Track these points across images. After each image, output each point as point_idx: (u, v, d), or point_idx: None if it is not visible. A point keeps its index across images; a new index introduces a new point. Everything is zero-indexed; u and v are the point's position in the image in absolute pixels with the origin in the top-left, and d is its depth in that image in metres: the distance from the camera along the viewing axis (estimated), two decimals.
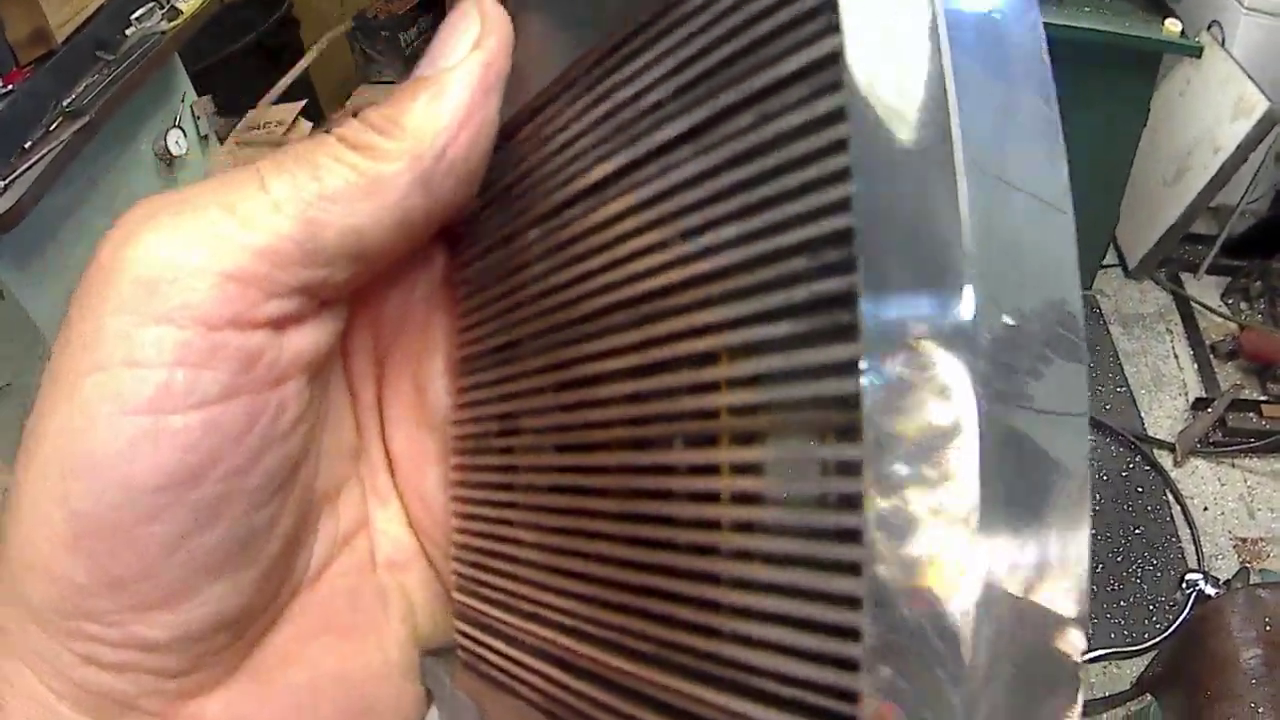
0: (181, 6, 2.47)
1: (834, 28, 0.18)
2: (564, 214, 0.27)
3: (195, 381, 0.25)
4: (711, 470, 0.21)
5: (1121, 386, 3.26)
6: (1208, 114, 3.19)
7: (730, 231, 0.21)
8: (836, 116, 0.18)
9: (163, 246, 0.26)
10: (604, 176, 0.25)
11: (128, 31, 2.35)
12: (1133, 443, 3.05)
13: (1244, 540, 2.78)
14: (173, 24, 2.38)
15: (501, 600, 0.30)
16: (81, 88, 2.14)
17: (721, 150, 0.21)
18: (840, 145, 0.18)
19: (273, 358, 0.27)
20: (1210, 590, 1.60)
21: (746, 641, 0.20)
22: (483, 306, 0.31)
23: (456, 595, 0.33)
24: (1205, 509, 2.88)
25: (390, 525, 0.35)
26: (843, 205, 0.18)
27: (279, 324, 0.27)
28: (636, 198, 0.24)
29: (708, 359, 0.22)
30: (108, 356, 0.25)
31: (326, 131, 0.28)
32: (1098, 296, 3.57)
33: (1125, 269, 3.63)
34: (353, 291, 0.30)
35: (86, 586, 0.26)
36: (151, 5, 2.44)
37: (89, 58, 2.21)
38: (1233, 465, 2.99)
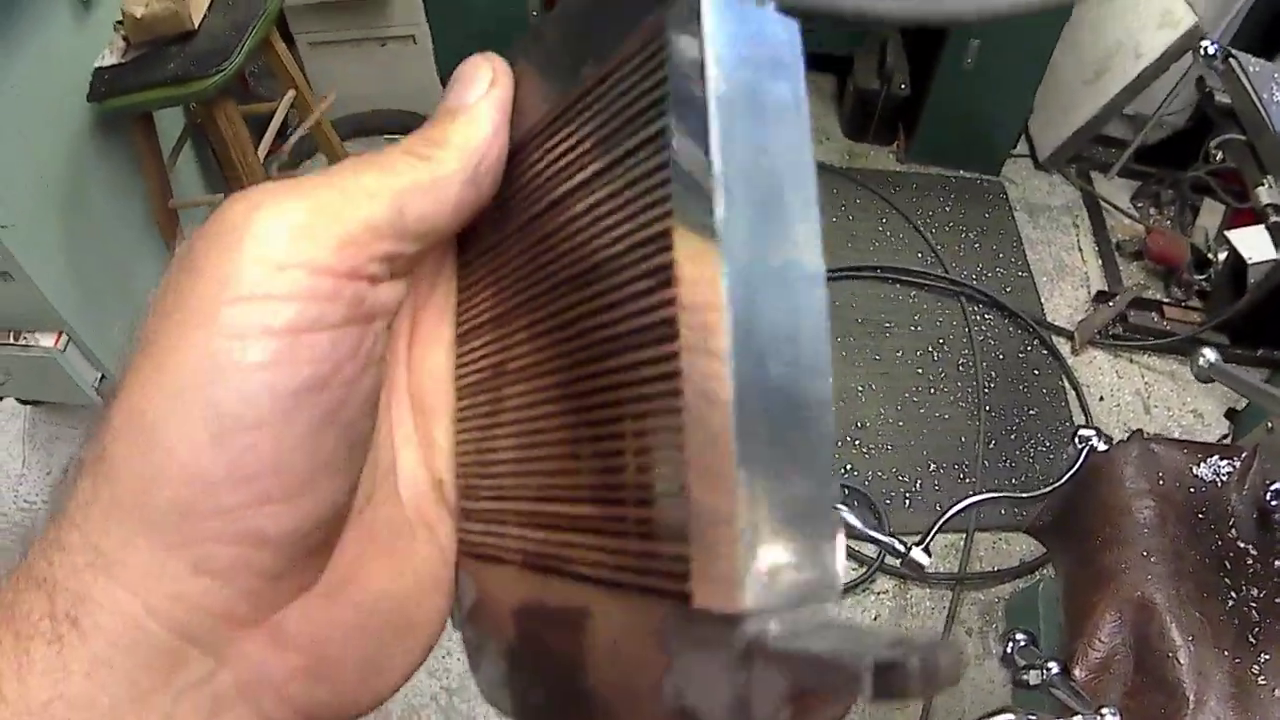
0: None
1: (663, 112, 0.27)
2: (540, 218, 0.36)
3: (322, 312, 0.32)
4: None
5: (1024, 272, 3.30)
6: (1133, 21, 3.22)
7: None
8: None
9: (294, 213, 0.32)
10: (560, 195, 0.34)
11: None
12: (1031, 325, 3.10)
13: (1139, 433, 2.87)
14: None
15: (488, 494, 0.40)
16: None
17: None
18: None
19: (371, 303, 0.34)
20: (1101, 445, 1.65)
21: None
22: (478, 282, 0.41)
23: (461, 503, 0.42)
24: (1101, 399, 2.96)
25: (411, 463, 0.42)
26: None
27: (373, 280, 0.34)
28: (582, 207, 0.33)
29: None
30: (249, 290, 0.31)
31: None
32: (1005, 183, 3.61)
33: (1035, 160, 3.67)
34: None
35: (221, 481, 0.30)
36: None
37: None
38: (1131, 360, 3.07)
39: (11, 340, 2.45)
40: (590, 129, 0.32)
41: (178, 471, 0.30)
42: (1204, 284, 3.15)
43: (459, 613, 0.42)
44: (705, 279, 0.25)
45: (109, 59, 2.30)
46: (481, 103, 0.37)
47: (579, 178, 0.33)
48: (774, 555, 0.25)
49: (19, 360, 2.47)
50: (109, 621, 0.30)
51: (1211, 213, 3.26)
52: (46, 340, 2.44)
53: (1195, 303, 3.18)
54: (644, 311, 0.28)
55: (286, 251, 0.31)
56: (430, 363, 0.43)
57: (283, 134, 2.73)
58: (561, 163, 0.34)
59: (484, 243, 0.40)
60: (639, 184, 0.28)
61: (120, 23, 2.33)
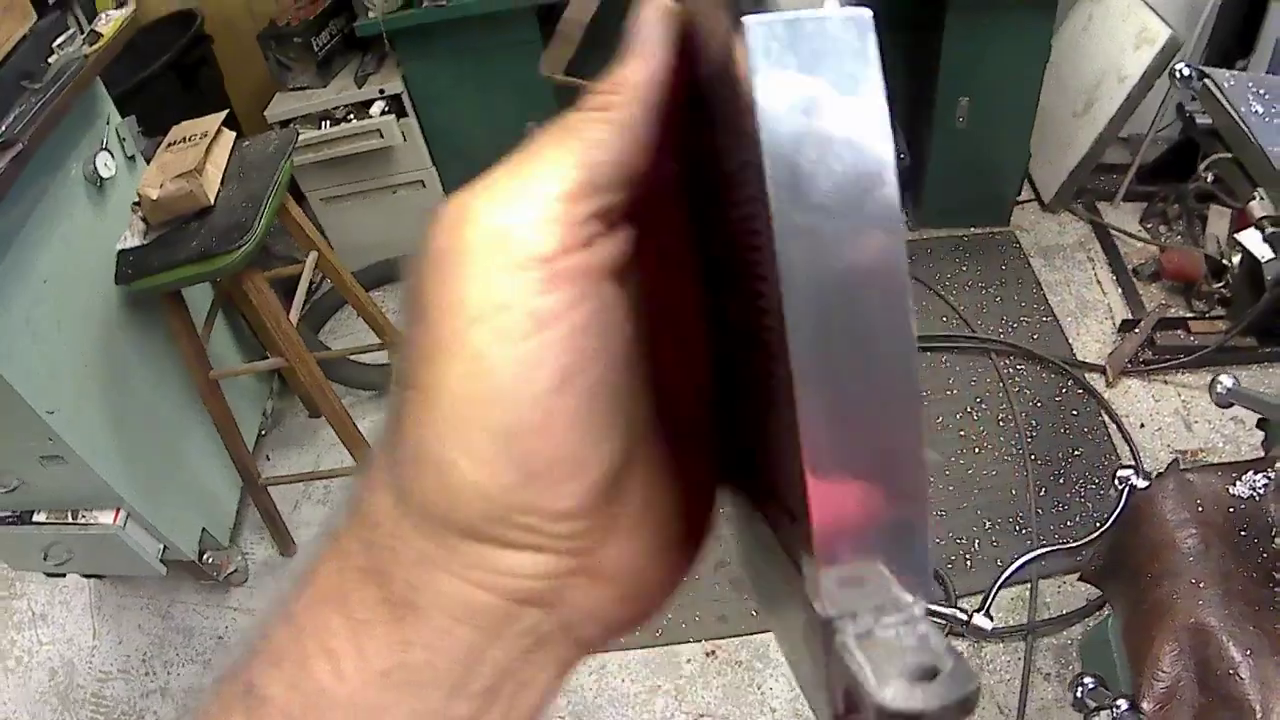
0: (101, 30, 2.48)
1: None
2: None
3: (553, 304, 0.33)
4: None
5: (1047, 316, 3.31)
6: (1111, 46, 3.27)
7: None
8: None
9: (494, 216, 0.34)
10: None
11: (50, 59, 2.35)
12: (1063, 368, 3.11)
13: (1184, 452, 2.84)
14: (93, 48, 2.39)
15: None
16: (11, 117, 2.14)
17: None
18: None
19: (597, 265, 0.35)
20: (1141, 483, 1.65)
21: None
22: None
23: None
24: (1142, 425, 2.95)
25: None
26: None
27: (588, 243, 0.34)
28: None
29: None
30: (481, 309, 0.33)
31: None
32: (1016, 232, 3.64)
33: (1042, 203, 3.70)
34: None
35: (515, 486, 0.33)
36: (72, 31, 2.44)
37: (15, 88, 2.23)
38: (1165, 382, 3.06)
39: (71, 519, 2.52)
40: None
41: (475, 491, 0.33)
42: (1224, 291, 3.14)
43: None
44: None
45: (130, 241, 2.37)
46: (643, 32, 0.37)
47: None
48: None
49: (80, 539, 2.53)
50: (446, 602, 0.34)
51: (1220, 218, 3.26)
52: (105, 517, 2.50)
53: (1219, 311, 3.17)
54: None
55: (499, 257, 0.33)
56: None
57: (310, 293, 2.76)
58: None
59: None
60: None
61: (137, 204, 2.39)
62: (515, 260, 0.33)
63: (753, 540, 0.43)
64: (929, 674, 0.27)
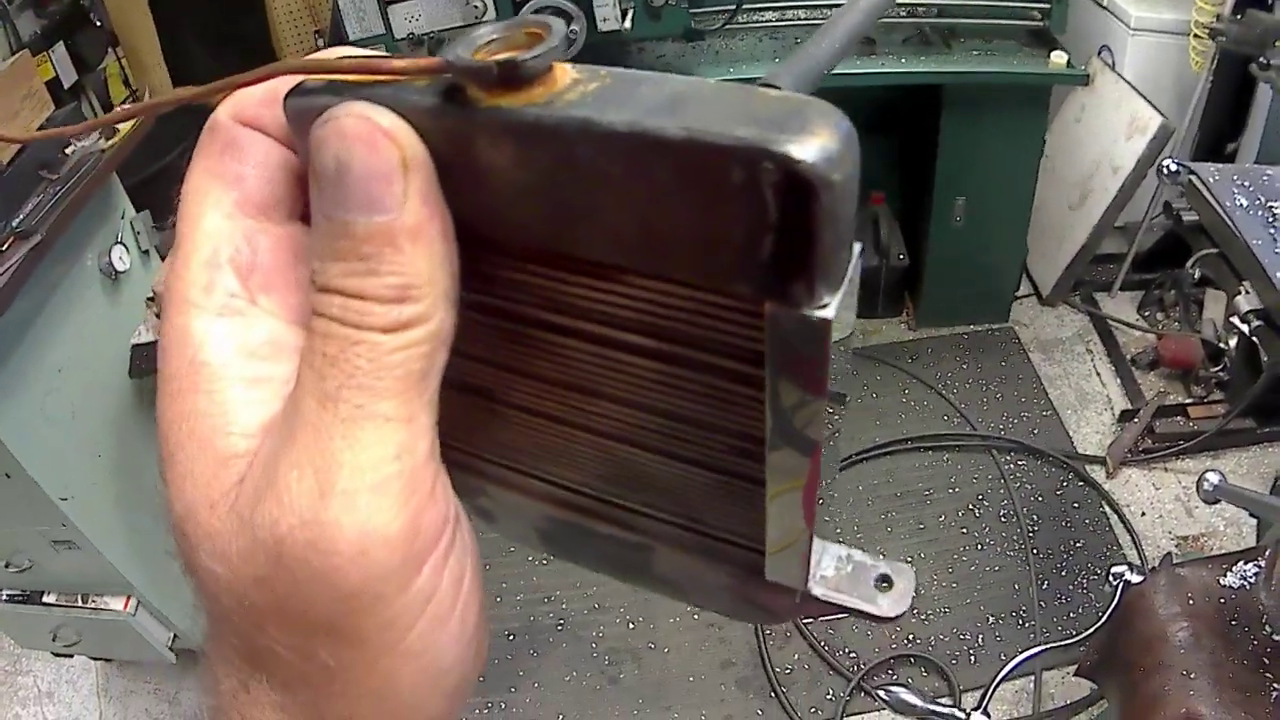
0: (116, 124, 2.55)
1: None
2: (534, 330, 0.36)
3: (454, 570, 0.35)
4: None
5: (1047, 411, 3.35)
6: (1104, 136, 3.33)
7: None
8: None
9: (365, 535, 0.32)
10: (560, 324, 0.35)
11: (68, 150, 2.40)
12: (1064, 462, 3.14)
13: (1185, 538, 2.88)
14: (110, 142, 2.46)
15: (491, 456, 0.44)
16: (29, 207, 2.19)
17: None
18: None
19: (457, 512, 0.37)
20: (1135, 578, 1.69)
21: None
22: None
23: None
24: (1143, 514, 2.97)
25: None
26: None
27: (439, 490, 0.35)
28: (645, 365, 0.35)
29: None
30: (407, 611, 0.34)
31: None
32: (1015, 327, 3.68)
33: (1040, 297, 3.74)
34: None
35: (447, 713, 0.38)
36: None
37: (33, 178, 2.28)
38: (1165, 469, 3.09)
39: (81, 603, 2.53)
40: (656, 309, 0.32)
41: None
42: (1221, 374, 3.18)
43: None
44: None
45: (145, 336, 2.42)
46: (411, 209, 0.31)
47: (631, 338, 0.34)
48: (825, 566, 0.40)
49: (90, 623, 2.55)
50: None
51: (1216, 302, 3.27)
52: (116, 603, 2.52)
53: (1217, 395, 3.20)
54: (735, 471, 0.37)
55: (404, 561, 0.33)
56: None
57: None
58: (585, 302, 0.33)
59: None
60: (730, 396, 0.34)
61: (151, 299, 2.45)
62: (408, 572, 0.33)
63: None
64: None
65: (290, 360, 0.35)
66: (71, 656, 2.80)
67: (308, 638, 0.33)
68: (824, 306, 0.28)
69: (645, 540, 0.43)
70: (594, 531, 0.44)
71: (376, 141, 0.31)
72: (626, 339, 0.34)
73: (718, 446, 0.36)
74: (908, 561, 0.39)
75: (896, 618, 0.39)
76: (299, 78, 0.34)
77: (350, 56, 0.34)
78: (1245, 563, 1.59)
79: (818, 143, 0.26)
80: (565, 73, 0.31)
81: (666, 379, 0.35)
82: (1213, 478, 1.66)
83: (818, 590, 0.39)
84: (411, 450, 0.32)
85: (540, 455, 0.42)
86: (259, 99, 0.35)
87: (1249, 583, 1.57)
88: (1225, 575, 1.59)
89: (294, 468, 0.32)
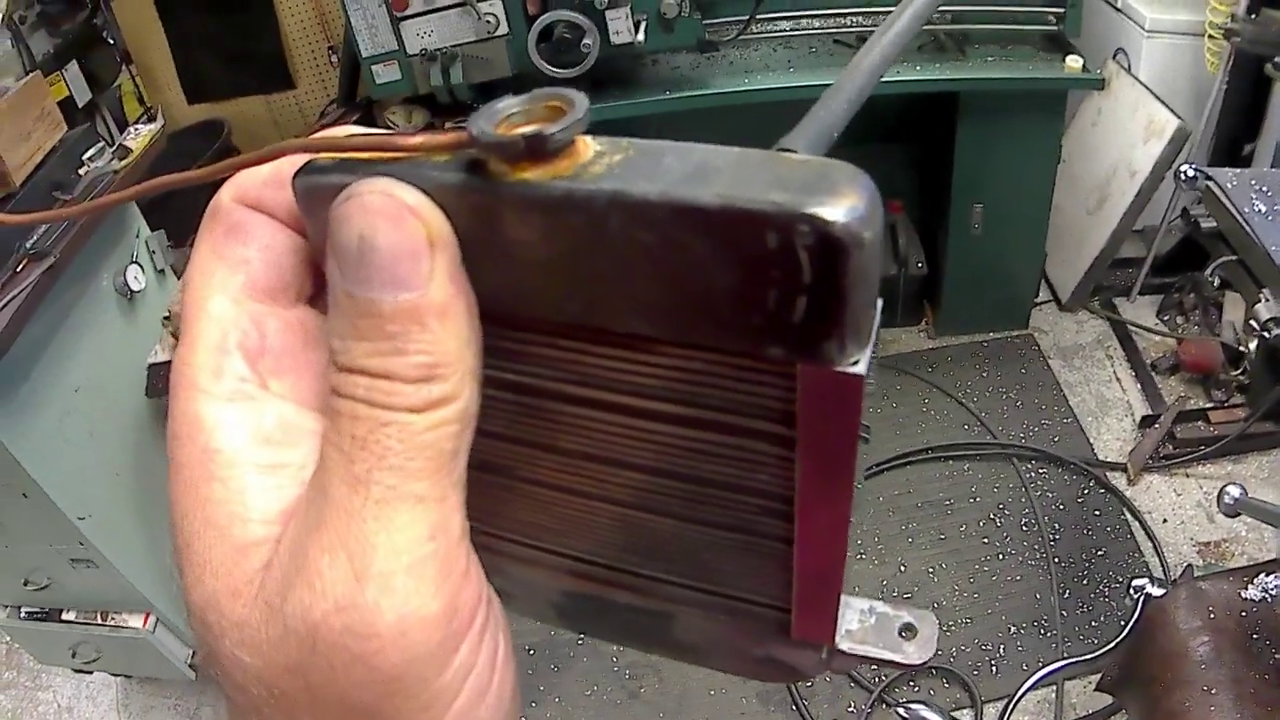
0: (130, 144, 2.56)
1: None
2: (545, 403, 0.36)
3: (491, 648, 0.35)
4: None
5: (1068, 418, 3.32)
6: (1121, 140, 3.31)
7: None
8: None
9: (423, 611, 0.32)
10: (610, 400, 0.35)
11: (81, 171, 2.42)
12: (1084, 469, 3.11)
13: (1207, 545, 2.85)
14: (123, 162, 2.47)
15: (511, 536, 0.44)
16: (43, 229, 2.19)
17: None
18: None
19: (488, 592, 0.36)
20: (1156, 591, 1.68)
21: None
22: None
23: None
24: (1164, 521, 2.95)
25: None
26: None
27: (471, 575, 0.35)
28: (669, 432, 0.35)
29: None
30: (431, 700, 0.33)
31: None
32: (1035, 334, 3.66)
33: (1059, 303, 3.72)
34: None
35: None
36: (101, 145, 2.53)
37: (46, 198, 2.29)
38: (1186, 475, 3.06)
39: (100, 620, 2.55)
40: (685, 377, 0.32)
41: None
42: (1242, 378, 3.15)
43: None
44: None
45: (161, 355, 2.44)
46: (438, 287, 0.31)
47: (658, 407, 0.34)
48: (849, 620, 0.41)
49: (109, 640, 2.57)
50: None
51: (1235, 306, 3.25)
52: (135, 621, 2.54)
53: (1238, 399, 3.18)
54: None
55: (440, 646, 0.32)
56: None
57: None
58: (612, 374, 0.34)
59: None
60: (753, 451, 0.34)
61: (167, 318, 2.47)
62: (446, 652, 0.32)
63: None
64: None
65: (304, 445, 0.34)
66: (91, 673, 2.81)
67: None
68: (855, 363, 0.29)
69: (666, 607, 0.43)
70: (613, 602, 0.44)
71: (403, 218, 0.30)
72: (653, 408, 0.34)
73: (745, 508, 0.36)
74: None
75: (923, 665, 0.40)
76: (306, 157, 0.34)
77: (359, 134, 0.33)
78: (1267, 575, 1.57)
79: (847, 204, 0.27)
80: (588, 145, 0.31)
81: (694, 444, 0.35)
82: (1234, 491, 1.65)
83: (845, 645, 0.40)
84: (445, 530, 0.32)
85: (559, 529, 0.42)
86: (263, 180, 0.35)
87: (1270, 595, 1.56)
88: (1246, 588, 1.58)
89: (325, 552, 0.31)
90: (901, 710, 1.84)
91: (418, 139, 0.32)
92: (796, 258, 0.27)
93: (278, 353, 0.35)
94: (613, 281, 0.31)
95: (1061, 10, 3.03)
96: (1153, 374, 3.39)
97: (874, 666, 0.44)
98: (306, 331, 0.35)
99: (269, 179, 0.35)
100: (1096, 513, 3.01)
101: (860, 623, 0.41)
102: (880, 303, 0.30)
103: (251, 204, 0.35)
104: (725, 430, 0.34)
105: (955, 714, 2.46)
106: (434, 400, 0.31)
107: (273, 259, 0.35)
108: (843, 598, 0.39)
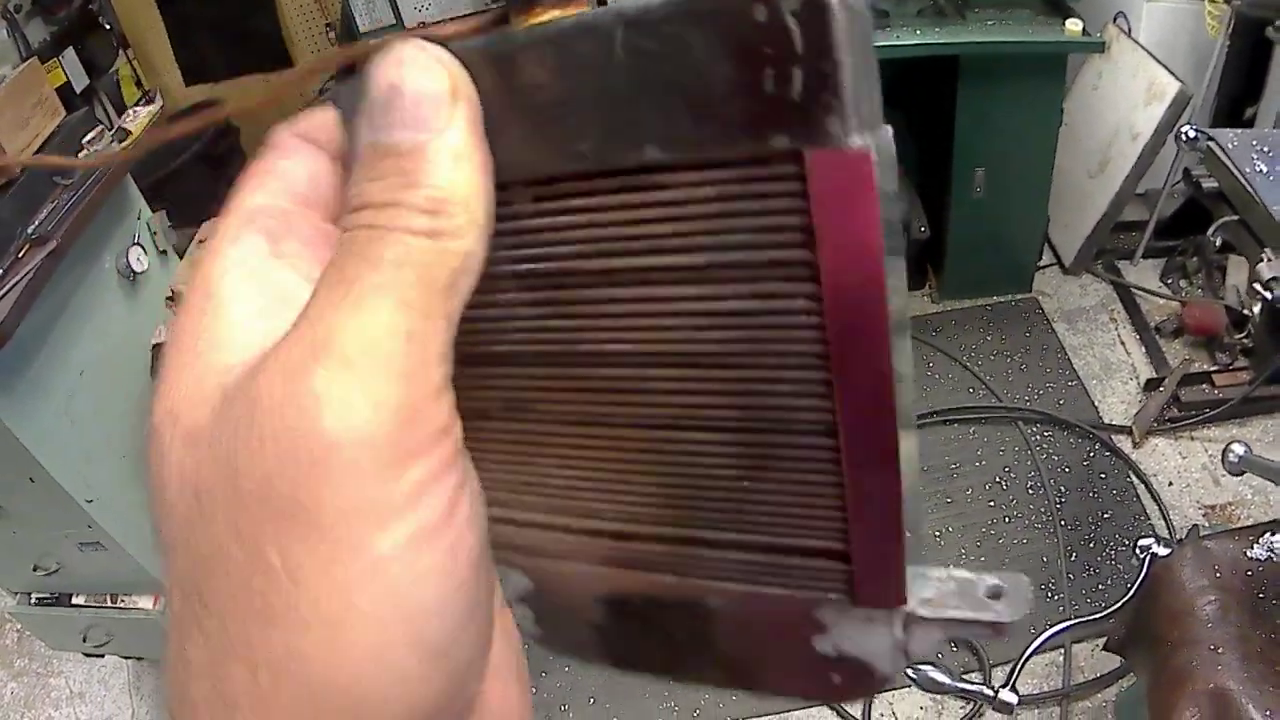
0: (129, 127, 2.56)
1: None
2: (563, 280, 0.35)
3: (449, 493, 0.31)
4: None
5: (1073, 381, 3.32)
6: (1123, 103, 3.29)
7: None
8: None
9: (352, 412, 0.29)
10: (606, 269, 0.34)
11: (81, 155, 2.42)
12: (1090, 432, 3.11)
13: (1212, 508, 2.85)
14: (123, 145, 2.47)
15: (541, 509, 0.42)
16: (44, 213, 2.21)
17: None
18: None
19: (451, 429, 0.31)
20: (1162, 551, 1.68)
21: None
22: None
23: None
24: (1170, 484, 2.95)
25: None
26: None
27: (441, 409, 0.31)
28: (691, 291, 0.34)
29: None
30: (380, 516, 0.29)
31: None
32: (1039, 297, 3.65)
33: (1062, 266, 3.72)
34: None
35: (444, 692, 0.31)
36: (100, 128, 2.52)
37: (47, 183, 2.28)
38: (1192, 438, 3.06)
39: (110, 603, 2.56)
40: (693, 214, 0.32)
41: (409, 715, 0.30)
42: (1246, 341, 3.15)
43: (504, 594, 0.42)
44: None
45: (165, 335, 2.40)
46: (457, 131, 0.32)
47: (671, 259, 0.33)
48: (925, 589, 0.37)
49: (120, 622, 2.58)
50: None
51: (1239, 268, 3.24)
52: (145, 602, 2.55)
53: (1242, 362, 3.18)
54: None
55: (386, 454, 0.29)
56: None
57: None
58: (627, 230, 0.33)
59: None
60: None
61: (171, 298, 2.47)
62: (395, 457, 0.29)
63: None
64: None
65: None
66: (102, 656, 2.83)
67: (259, 523, 0.29)
68: (862, 144, 0.29)
69: (711, 600, 0.40)
70: (654, 607, 0.41)
71: (430, 66, 0.32)
72: (672, 265, 0.33)
73: (782, 394, 0.34)
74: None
75: (1014, 623, 0.35)
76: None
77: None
78: (1272, 534, 1.57)
79: None
80: None
81: (718, 308, 0.33)
82: (1238, 449, 1.65)
83: (924, 611, 0.36)
84: (423, 343, 0.30)
85: (590, 486, 0.40)
86: (317, 124, 0.36)
87: (1276, 554, 1.56)
88: (1252, 547, 1.58)
89: (291, 339, 0.30)
90: (911, 672, 1.84)
91: (451, 28, 0.34)
92: (785, 26, 0.28)
93: (300, 240, 0.35)
94: (622, 106, 0.31)
95: None
96: (1157, 337, 3.38)
97: (954, 647, 0.40)
98: (330, 241, 0.34)
99: (322, 123, 0.36)
100: (1102, 476, 3.02)
101: (938, 589, 0.36)
102: (890, 130, 0.30)
103: (302, 135, 0.36)
104: (747, 276, 0.32)
105: (964, 676, 2.46)
106: (438, 230, 0.31)
107: (313, 174, 0.36)
108: (917, 567, 0.36)
